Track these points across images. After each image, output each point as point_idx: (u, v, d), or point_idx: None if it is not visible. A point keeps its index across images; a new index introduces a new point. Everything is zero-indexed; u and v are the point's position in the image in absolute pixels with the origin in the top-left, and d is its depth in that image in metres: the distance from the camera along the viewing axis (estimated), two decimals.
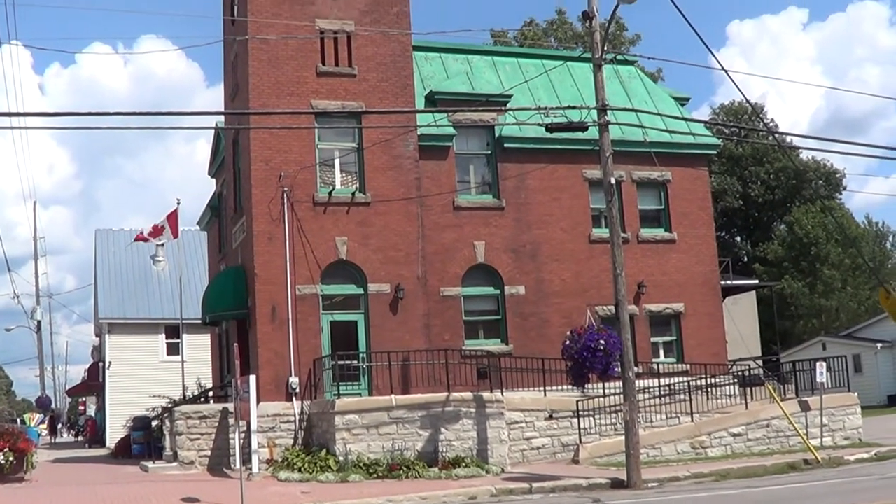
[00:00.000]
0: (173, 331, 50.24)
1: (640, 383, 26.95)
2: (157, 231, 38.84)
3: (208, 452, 28.10)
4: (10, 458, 25.82)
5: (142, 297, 54.99)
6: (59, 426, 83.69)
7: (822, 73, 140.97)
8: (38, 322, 62.52)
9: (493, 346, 32.21)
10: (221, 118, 35.00)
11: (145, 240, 40.77)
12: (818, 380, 30.83)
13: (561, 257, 33.68)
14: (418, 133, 31.21)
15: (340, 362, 28.02)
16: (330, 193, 30.01)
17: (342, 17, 31.08)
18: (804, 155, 75.96)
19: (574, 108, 24.92)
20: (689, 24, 23.66)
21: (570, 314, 32.52)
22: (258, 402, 25.90)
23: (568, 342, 25.98)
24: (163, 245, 44.60)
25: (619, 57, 39.21)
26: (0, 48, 74.80)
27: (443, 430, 26.46)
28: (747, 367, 35.00)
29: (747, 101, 40.13)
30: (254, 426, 25.93)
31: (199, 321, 36.58)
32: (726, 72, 25.86)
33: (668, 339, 35.27)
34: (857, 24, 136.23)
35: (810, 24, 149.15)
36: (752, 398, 31.92)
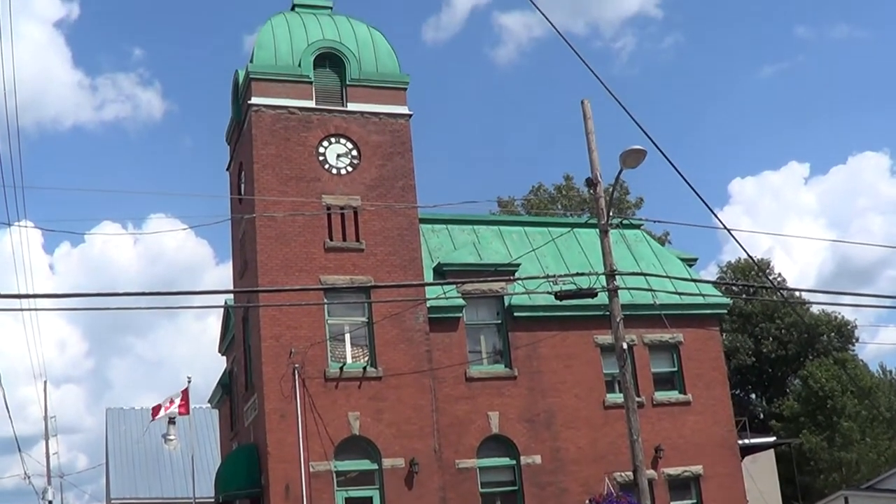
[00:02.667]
0: None
1: None
2: (172, 406, 39.00)
3: None
4: None
5: (154, 477, 54.50)
6: None
7: (826, 226, 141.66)
8: (50, 503, 61.82)
9: None
10: (231, 296, 35.13)
11: (158, 410, 40.88)
12: None
13: (576, 424, 33.32)
14: (428, 305, 31.24)
15: None
16: (341, 368, 29.90)
17: (348, 192, 31.45)
18: (814, 309, 75.88)
19: (583, 274, 24.95)
20: (691, 186, 23.72)
21: (587, 482, 32.05)
22: None
23: None
24: (174, 423, 44.46)
25: (624, 221, 39.46)
26: (10, 228, 75.67)
27: None
28: None
29: (752, 261, 40.29)
30: None
31: (213, 500, 36.10)
32: (730, 232, 25.99)
33: (688, 502, 34.57)
34: (857, 175, 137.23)
35: (812, 178, 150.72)
36: None
